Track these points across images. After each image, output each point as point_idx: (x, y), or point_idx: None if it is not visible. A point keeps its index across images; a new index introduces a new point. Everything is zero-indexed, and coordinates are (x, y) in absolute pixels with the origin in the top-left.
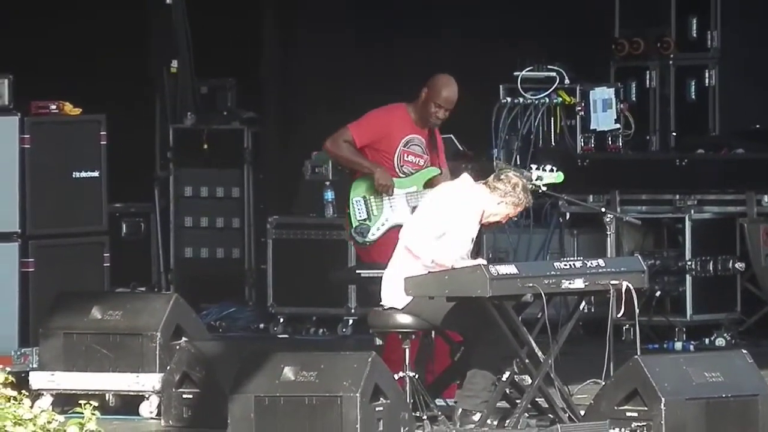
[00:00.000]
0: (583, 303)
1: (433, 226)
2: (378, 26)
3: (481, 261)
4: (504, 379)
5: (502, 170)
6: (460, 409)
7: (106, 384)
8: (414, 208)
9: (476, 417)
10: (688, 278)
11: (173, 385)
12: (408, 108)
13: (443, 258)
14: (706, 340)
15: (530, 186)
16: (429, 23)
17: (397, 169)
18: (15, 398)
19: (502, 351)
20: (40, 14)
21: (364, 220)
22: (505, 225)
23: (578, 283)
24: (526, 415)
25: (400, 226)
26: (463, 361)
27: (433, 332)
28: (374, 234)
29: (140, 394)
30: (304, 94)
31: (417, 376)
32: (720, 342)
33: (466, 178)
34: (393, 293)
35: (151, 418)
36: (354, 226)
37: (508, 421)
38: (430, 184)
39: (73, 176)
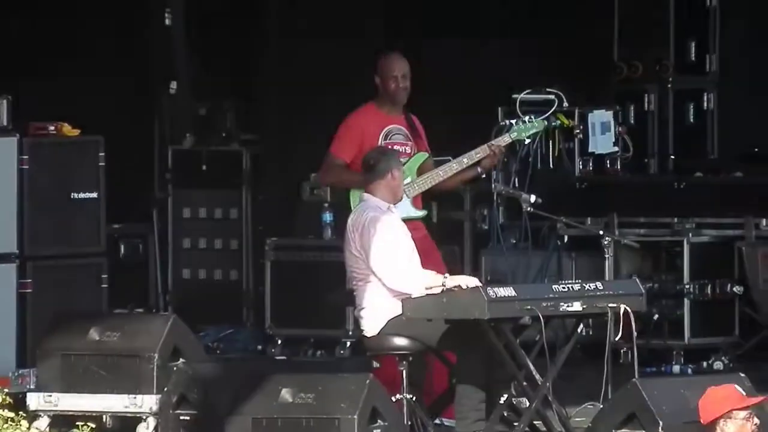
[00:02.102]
0: (581, 326)
1: (392, 260)
2: (379, 48)
3: (473, 279)
4: (502, 401)
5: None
6: None
7: (103, 405)
8: (413, 199)
9: None
10: (686, 301)
11: (171, 407)
12: (375, 104)
13: (428, 282)
14: (704, 364)
15: (527, 209)
16: (427, 45)
17: None
18: (12, 419)
19: (498, 373)
20: (38, 36)
21: None
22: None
23: (576, 306)
24: None
25: (406, 220)
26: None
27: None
28: None
29: (137, 415)
30: (303, 115)
31: (414, 398)
32: (718, 366)
33: (365, 197)
34: (368, 322)
35: None
36: None
37: None
38: (421, 170)
39: (72, 197)
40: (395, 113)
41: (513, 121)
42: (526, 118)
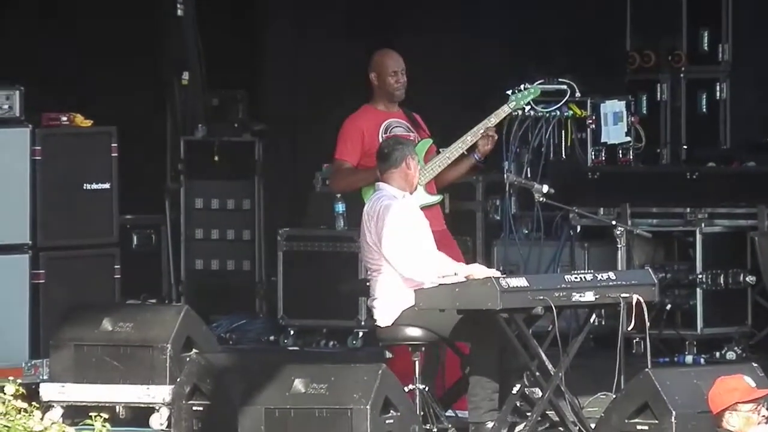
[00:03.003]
0: (594, 316)
1: (405, 247)
2: (389, 39)
3: (485, 269)
4: (514, 392)
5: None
6: (471, 425)
7: (116, 396)
8: (426, 185)
9: (489, 425)
10: (699, 291)
11: (183, 397)
12: (370, 104)
13: (441, 270)
14: (717, 354)
15: (540, 199)
16: (439, 35)
17: None
18: (25, 410)
19: (511, 363)
20: (50, 27)
21: None
22: (516, 235)
23: (589, 296)
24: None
25: (423, 207)
26: (469, 373)
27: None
28: None
29: (150, 406)
30: (314, 106)
31: (427, 389)
32: (730, 355)
33: (380, 185)
34: (382, 312)
35: (162, 431)
36: None
37: None
38: (428, 155)
39: (84, 188)
40: (392, 108)
41: (509, 92)
42: (522, 86)
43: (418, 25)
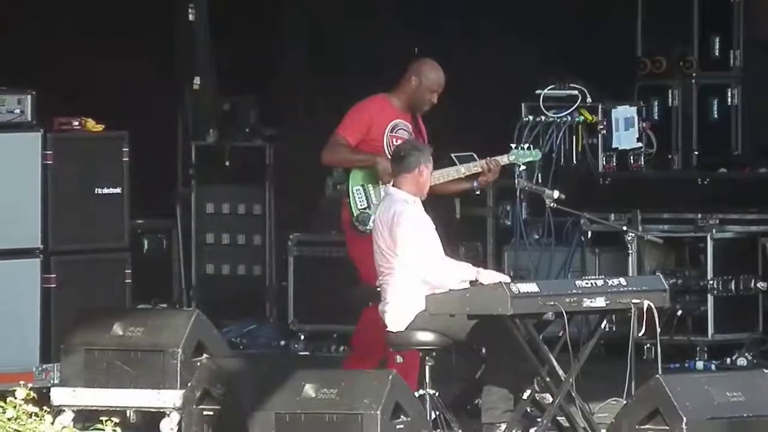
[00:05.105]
0: (605, 322)
1: (427, 250)
2: (401, 46)
3: (501, 275)
4: (525, 397)
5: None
6: (484, 424)
7: (127, 400)
8: None
9: (501, 428)
10: (710, 297)
11: (194, 402)
12: (388, 97)
13: (463, 275)
14: (728, 360)
15: (551, 205)
16: (452, 41)
17: (388, 155)
18: (36, 414)
19: (521, 368)
20: (62, 31)
21: (365, 208)
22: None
23: (599, 302)
24: None
25: None
26: (484, 377)
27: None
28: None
29: (161, 410)
30: (325, 111)
31: (438, 394)
32: (741, 361)
33: (391, 190)
34: (394, 317)
35: None
36: (355, 215)
37: None
38: None
39: (96, 192)
40: (405, 109)
41: (513, 145)
42: (526, 146)
43: (433, 33)
